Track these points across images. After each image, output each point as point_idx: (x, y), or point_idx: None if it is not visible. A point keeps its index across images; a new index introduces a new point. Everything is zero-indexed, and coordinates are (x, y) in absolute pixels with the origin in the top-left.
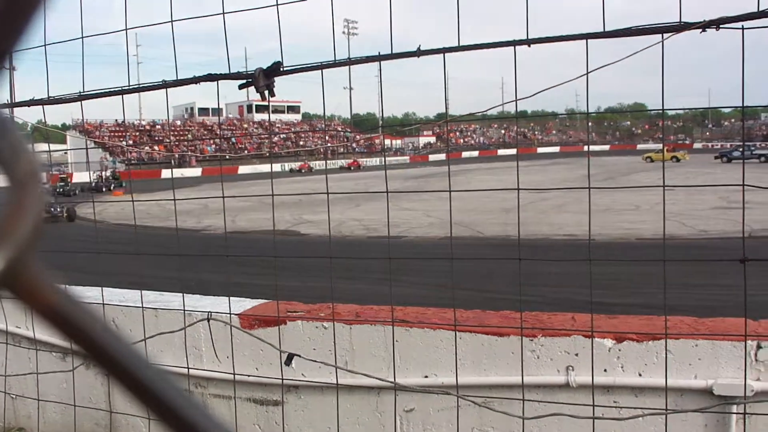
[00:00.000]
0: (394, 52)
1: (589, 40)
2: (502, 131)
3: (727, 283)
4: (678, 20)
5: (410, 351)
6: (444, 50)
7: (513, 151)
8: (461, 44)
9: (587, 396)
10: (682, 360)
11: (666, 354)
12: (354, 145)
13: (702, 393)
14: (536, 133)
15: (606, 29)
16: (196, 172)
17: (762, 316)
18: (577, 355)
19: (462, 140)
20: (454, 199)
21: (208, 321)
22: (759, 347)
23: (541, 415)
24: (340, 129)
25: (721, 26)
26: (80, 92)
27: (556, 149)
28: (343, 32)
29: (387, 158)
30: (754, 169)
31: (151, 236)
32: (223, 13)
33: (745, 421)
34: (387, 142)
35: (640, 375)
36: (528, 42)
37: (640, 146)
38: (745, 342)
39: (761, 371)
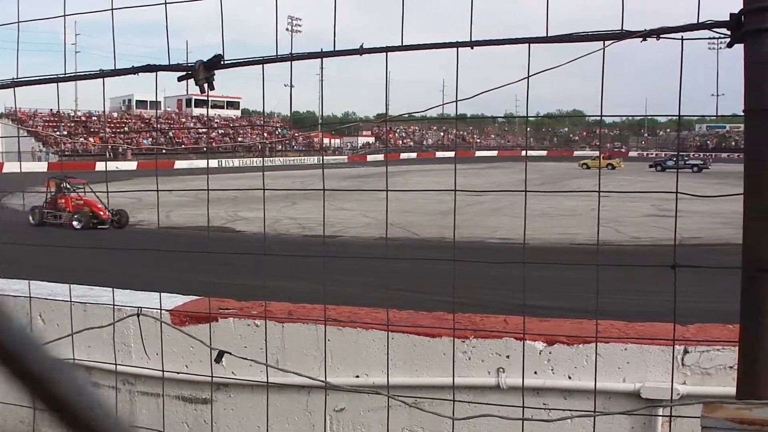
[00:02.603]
0: (337, 49)
1: (532, 45)
2: (441, 134)
3: (657, 289)
4: (620, 29)
5: (342, 350)
6: (387, 49)
7: (451, 154)
8: (404, 44)
9: (517, 398)
10: (611, 363)
11: (596, 357)
12: (293, 143)
13: (630, 396)
14: (475, 136)
15: (549, 35)
16: (131, 165)
17: (690, 321)
18: (508, 357)
19: (401, 141)
20: (390, 200)
21: (138, 317)
22: (686, 352)
23: (471, 416)
24: (279, 126)
25: (661, 36)
26: (14, 78)
27: (494, 153)
28: (287, 29)
29: (325, 157)
30: (686, 179)
31: (83, 230)
32: (165, 3)
33: (671, 424)
34: (325, 140)
35: (569, 377)
36: (471, 44)
37: (576, 153)
38: (674, 346)
39: (687, 375)
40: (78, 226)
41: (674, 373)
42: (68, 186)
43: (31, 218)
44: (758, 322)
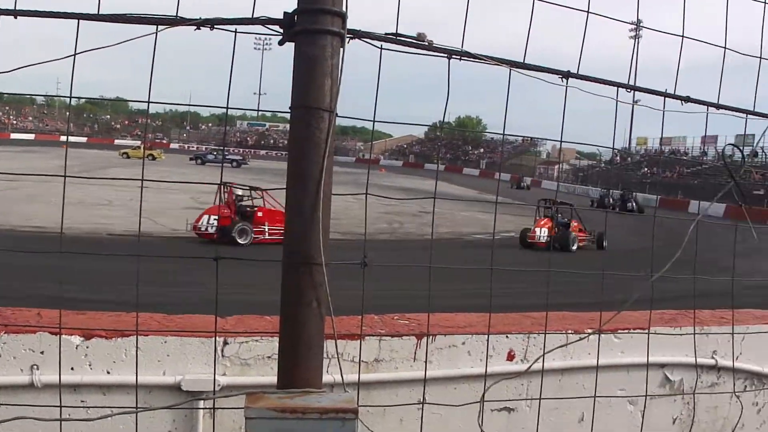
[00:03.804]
0: None
1: (81, 22)
2: None
3: (198, 281)
4: (175, 15)
5: None
6: None
7: None
8: None
9: (54, 396)
10: (151, 357)
11: (136, 351)
12: None
13: (171, 389)
14: (11, 117)
15: (100, 13)
16: None
17: (229, 313)
18: (42, 353)
19: None
20: None
21: None
22: (226, 343)
23: (4, 420)
24: None
25: (215, 26)
26: None
27: (31, 136)
28: None
29: None
30: (226, 173)
31: None
32: None
33: (213, 416)
34: None
35: (108, 372)
36: (14, 13)
37: (118, 141)
38: (215, 338)
39: (228, 366)
40: None
41: (216, 365)
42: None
43: None
44: (298, 313)
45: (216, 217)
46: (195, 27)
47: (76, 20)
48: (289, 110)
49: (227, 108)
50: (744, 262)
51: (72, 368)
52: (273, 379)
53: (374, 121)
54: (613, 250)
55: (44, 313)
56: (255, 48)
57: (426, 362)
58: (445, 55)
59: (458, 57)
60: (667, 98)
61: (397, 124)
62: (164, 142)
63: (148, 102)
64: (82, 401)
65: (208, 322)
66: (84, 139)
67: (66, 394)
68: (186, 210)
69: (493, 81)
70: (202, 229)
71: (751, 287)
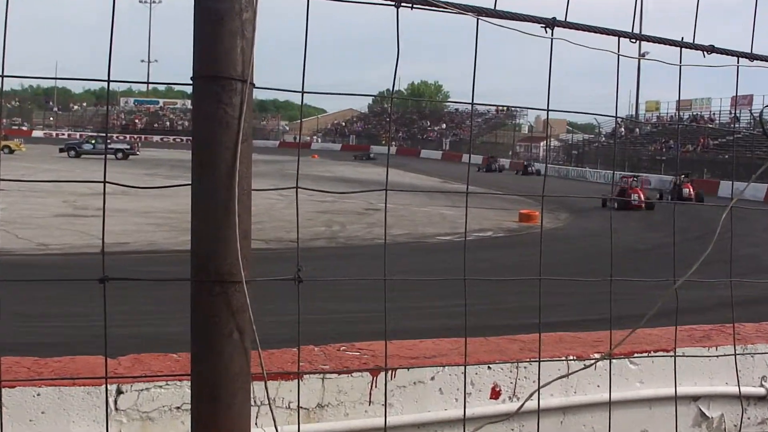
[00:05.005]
0: None
1: None
2: None
3: (78, 312)
4: None
5: None
6: None
7: None
8: None
9: None
10: (20, 415)
11: (0, 408)
12: None
13: None
14: None
15: None
16: None
17: (122, 353)
18: None
19: None
20: None
21: None
22: (120, 392)
23: None
24: None
25: None
26: None
27: None
28: None
29: None
30: (112, 167)
31: None
32: None
33: None
34: None
35: None
36: None
37: None
38: (106, 386)
39: (124, 422)
40: None
41: (108, 422)
42: None
43: None
44: (214, 347)
45: (637, 195)
46: None
47: None
48: (191, 81)
49: (108, 81)
50: None
51: None
52: None
53: (303, 92)
54: None
55: None
56: (141, 1)
57: (386, 405)
58: (393, 3)
59: (409, 5)
60: (684, 49)
61: (332, 95)
62: (24, 129)
63: (2, 76)
64: None
65: (95, 365)
66: None
67: None
68: (57, 218)
69: (457, 35)
70: (636, 202)
71: None
